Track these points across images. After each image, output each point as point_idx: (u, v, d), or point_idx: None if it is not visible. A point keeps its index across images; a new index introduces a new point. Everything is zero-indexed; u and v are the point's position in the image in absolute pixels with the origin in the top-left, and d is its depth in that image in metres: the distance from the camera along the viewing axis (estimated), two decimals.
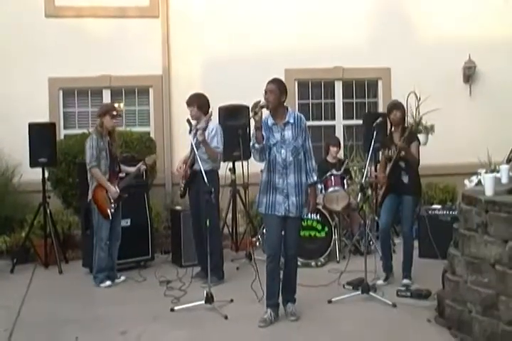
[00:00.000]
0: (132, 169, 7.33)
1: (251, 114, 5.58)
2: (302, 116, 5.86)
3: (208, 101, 7.20)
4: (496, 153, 9.22)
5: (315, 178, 5.84)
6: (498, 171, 6.14)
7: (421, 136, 8.39)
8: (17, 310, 6.24)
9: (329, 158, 8.78)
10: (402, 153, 6.66)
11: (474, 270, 5.12)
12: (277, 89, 5.67)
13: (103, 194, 7.05)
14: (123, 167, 7.35)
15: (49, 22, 9.80)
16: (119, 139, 8.54)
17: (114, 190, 7.07)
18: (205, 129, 6.98)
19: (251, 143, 5.67)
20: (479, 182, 7.12)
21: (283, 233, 5.80)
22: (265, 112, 5.70)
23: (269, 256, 5.77)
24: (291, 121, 5.71)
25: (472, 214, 5.25)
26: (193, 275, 7.06)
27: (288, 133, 5.69)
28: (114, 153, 7.20)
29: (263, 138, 5.57)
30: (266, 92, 5.70)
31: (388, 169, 6.79)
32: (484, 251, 5.02)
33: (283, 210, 5.70)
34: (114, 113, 7.21)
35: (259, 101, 5.58)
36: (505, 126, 10.23)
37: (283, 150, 5.68)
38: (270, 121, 5.72)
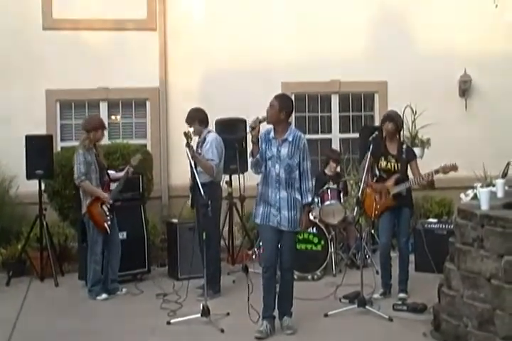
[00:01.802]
0: (121, 174, 7.34)
1: (248, 129, 5.65)
2: (302, 135, 5.88)
3: (206, 114, 7.24)
4: (492, 167, 9.27)
5: (310, 199, 5.84)
6: (493, 185, 6.17)
7: (417, 150, 8.42)
8: (13, 323, 6.20)
9: (327, 171, 8.79)
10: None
11: (470, 284, 5.13)
12: (278, 105, 5.72)
13: (98, 209, 7.05)
14: (112, 175, 7.35)
15: (47, 34, 9.85)
16: (115, 152, 8.64)
17: (107, 195, 7.08)
18: (202, 143, 7.04)
19: (248, 155, 5.81)
20: (475, 196, 7.15)
21: (279, 246, 5.82)
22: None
23: (264, 267, 5.81)
24: (290, 139, 5.74)
25: (468, 229, 5.27)
26: (198, 287, 6.94)
27: (284, 150, 5.73)
28: (102, 165, 7.22)
29: (257, 153, 5.65)
30: (269, 106, 5.78)
31: (392, 181, 6.78)
32: (480, 266, 5.04)
33: (275, 222, 5.74)
34: (106, 126, 7.34)
35: (258, 118, 5.65)
36: (500, 140, 10.28)
37: (277, 166, 5.73)
38: (271, 135, 5.78)
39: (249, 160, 5.77)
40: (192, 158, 6.75)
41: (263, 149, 5.72)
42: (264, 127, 5.82)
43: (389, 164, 6.83)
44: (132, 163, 7.32)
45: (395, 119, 6.85)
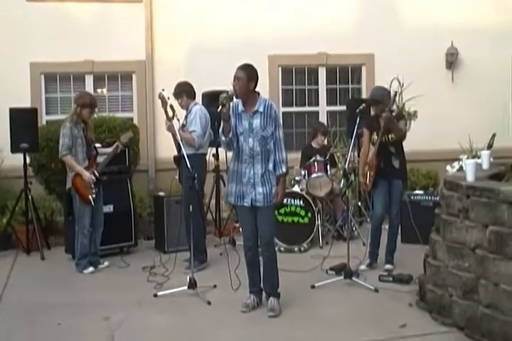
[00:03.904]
0: (109, 150, 7.32)
1: (219, 108, 5.35)
2: (273, 104, 5.62)
3: (193, 87, 7.22)
4: (478, 139, 9.31)
5: (284, 170, 5.57)
6: (479, 157, 6.18)
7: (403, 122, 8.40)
8: None
9: (314, 144, 8.78)
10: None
11: (455, 255, 5.16)
12: (245, 76, 5.42)
13: (82, 181, 7.02)
14: (100, 149, 7.32)
15: (31, 6, 9.71)
16: (101, 125, 8.58)
17: (88, 175, 7.02)
18: (187, 115, 7.08)
19: (219, 133, 5.52)
20: (461, 168, 7.18)
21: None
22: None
23: (245, 246, 5.72)
24: (261, 109, 5.49)
25: (453, 200, 5.29)
26: (185, 259, 6.97)
27: (256, 122, 5.48)
28: (89, 139, 7.17)
29: (230, 131, 5.42)
30: (234, 79, 5.50)
31: (373, 152, 6.76)
32: (465, 236, 5.06)
33: (249, 200, 5.55)
34: (96, 109, 7.29)
35: (227, 92, 5.39)
36: (486, 112, 10.32)
37: (250, 140, 5.49)
38: (240, 108, 5.53)
39: (222, 139, 5.48)
40: (173, 135, 6.81)
41: (233, 124, 5.47)
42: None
43: (385, 138, 6.77)
44: (122, 141, 7.30)
45: (379, 101, 6.77)
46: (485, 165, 5.81)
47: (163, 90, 6.80)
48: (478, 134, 9.29)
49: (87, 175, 7.02)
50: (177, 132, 6.76)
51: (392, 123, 6.65)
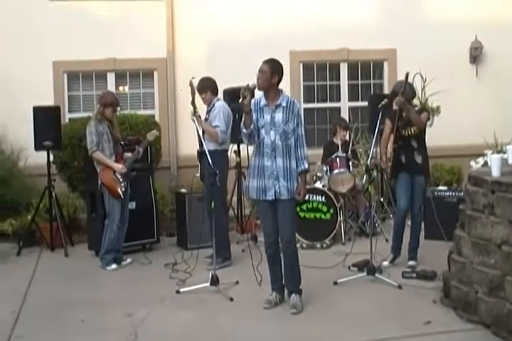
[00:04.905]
0: (131, 154, 7.34)
1: (240, 99, 5.37)
2: (296, 101, 5.66)
3: (216, 83, 7.23)
4: (503, 134, 9.21)
5: (306, 166, 5.58)
6: (504, 152, 6.09)
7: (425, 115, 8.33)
8: (24, 293, 6.27)
9: (336, 140, 8.73)
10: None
11: (481, 251, 5.10)
12: (269, 70, 5.47)
13: (110, 175, 7.08)
14: (125, 154, 7.35)
15: (53, 4, 9.74)
16: (123, 122, 8.61)
17: (120, 165, 7.11)
18: (209, 110, 7.07)
19: (241, 126, 5.51)
20: (485, 164, 7.10)
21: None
22: (259, 93, 5.59)
23: (266, 243, 5.69)
24: (284, 104, 5.51)
25: (479, 195, 5.22)
26: (207, 256, 6.97)
27: (278, 115, 5.49)
28: (115, 136, 7.22)
29: (251, 123, 5.41)
30: (259, 72, 5.55)
31: (391, 141, 6.71)
32: (491, 232, 5.00)
33: (272, 194, 5.51)
34: (118, 108, 7.36)
35: (248, 85, 5.41)
36: (511, 107, 10.17)
37: (272, 132, 5.48)
38: (262, 102, 5.55)
39: (243, 131, 5.46)
40: (199, 125, 6.81)
41: (254, 118, 5.47)
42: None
43: (406, 132, 6.73)
44: (148, 138, 7.36)
45: (398, 93, 6.69)
46: (510, 160, 5.73)
47: (193, 78, 6.83)
48: (504, 129, 9.20)
49: (119, 166, 7.09)
50: (201, 124, 6.78)
51: (406, 107, 6.57)
